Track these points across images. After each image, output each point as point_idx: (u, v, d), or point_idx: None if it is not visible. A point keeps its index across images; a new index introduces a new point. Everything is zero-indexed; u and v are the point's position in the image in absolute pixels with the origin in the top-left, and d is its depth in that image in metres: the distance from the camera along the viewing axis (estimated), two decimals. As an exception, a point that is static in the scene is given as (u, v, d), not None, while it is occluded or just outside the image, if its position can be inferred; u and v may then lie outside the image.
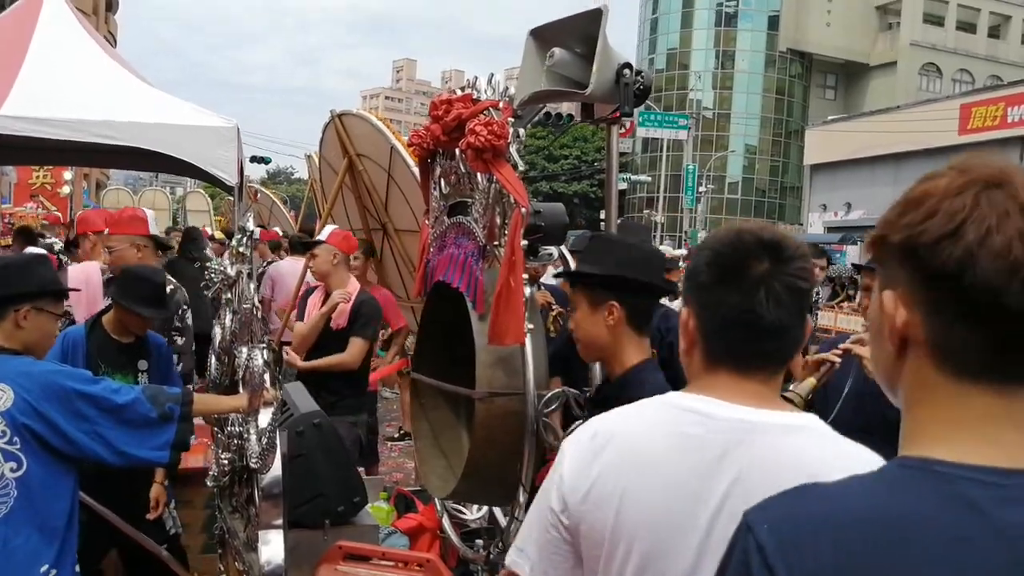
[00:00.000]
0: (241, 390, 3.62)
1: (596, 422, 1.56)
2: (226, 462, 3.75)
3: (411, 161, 5.70)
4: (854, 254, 34.13)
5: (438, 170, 3.75)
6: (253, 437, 3.32)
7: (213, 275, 3.63)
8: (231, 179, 5.41)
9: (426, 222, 3.90)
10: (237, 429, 3.60)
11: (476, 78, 3.51)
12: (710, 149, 53.30)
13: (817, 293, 16.34)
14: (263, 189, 19.12)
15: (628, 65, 3.21)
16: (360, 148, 6.43)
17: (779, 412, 1.43)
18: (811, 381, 3.26)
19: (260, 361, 3.31)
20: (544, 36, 3.43)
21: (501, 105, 3.29)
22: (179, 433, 2.91)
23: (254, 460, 3.29)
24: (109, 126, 5.14)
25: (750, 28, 57.56)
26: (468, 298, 3.32)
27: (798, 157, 51.65)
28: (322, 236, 5.50)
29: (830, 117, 46.69)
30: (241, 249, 3.47)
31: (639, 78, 3.24)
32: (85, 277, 5.19)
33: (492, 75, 3.49)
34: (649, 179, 50.29)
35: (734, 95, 58.13)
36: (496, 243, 3.31)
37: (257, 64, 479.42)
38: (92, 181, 33.84)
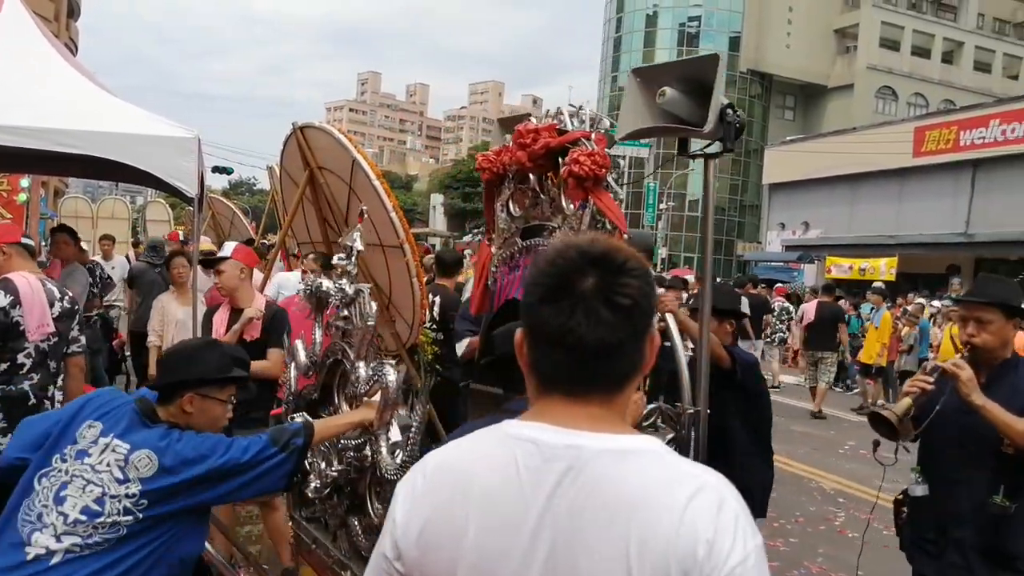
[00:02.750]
0: (342, 404, 3.83)
1: (429, 458, 1.46)
2: (336, 474, 3.77)
3: (373, 175, 5.70)
4: (811, 273, 34.63)
5: (506, 193, 3.93)
6: (384, 449, 3.40)
7: (333, 294, 3.74)
8: (191, 190, 5.39)
9: (486, 242, 4.08)
10: (353, 442, 3.65)
11: (559, 109, 3.77)
12: (671, 167, 53.81)
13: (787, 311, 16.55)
14: (224, 200, 18.95)
15: (731, 105, 3.45)
16: (322, 161, 6.42)
17: (614, 435, 1.33)
18: (907, 401, 3.54)
19: (394, 377, 3.39)
20: (646, 75, 3.67)
21: (594, 136, 3.53)
22: (297, 463, 3.00)
23: (392, 472, 3.35)
24: (67, 134, 5.08)
25: (711, 48, 58.09)
26: None
27: (757, 176, 52.26)
28: (226, 252, 5.51)
29: (789, 137, 47.33)
30: (348, 267, 3.61)
31: (737, 116, 3.48)
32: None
33: (580, 107, 3.73)
34: (611, 196, 50.48)
35: (696, 114, 58.69)
36: None
37: (223, 74, 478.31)
38: (50, 189, 33.30)
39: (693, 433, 3.66)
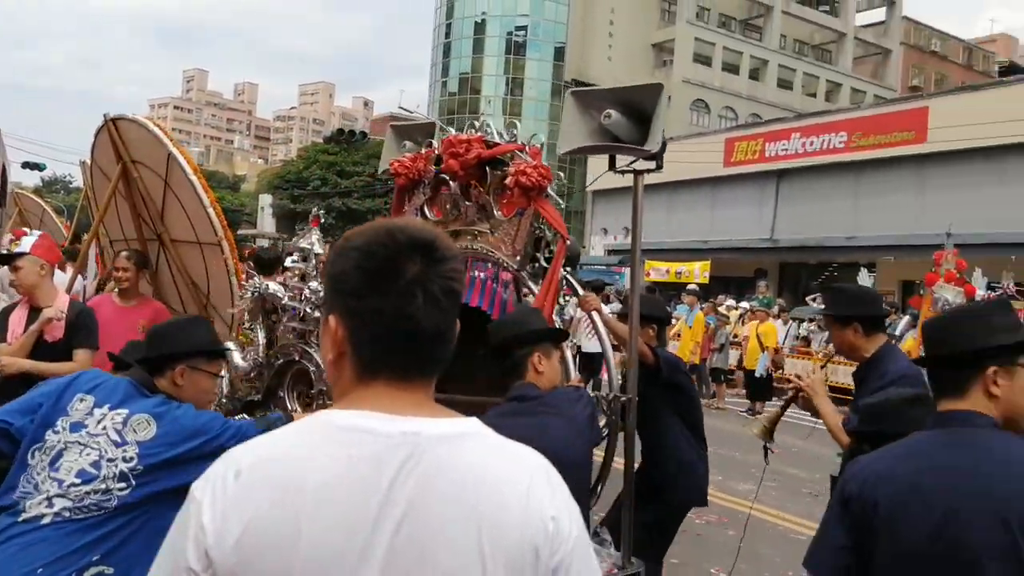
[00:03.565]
0: (295, 404, 3.93)
1: (238, 455, 1.32)
2: None
3: (189, 169, 5.62)
4: (631, 276, 35.89)
5: (421, 198, 4.16)
6: None
7: (309, 295, 3.70)
8: (-9, 182, 5.16)
9: None
10: None
11: (485, 122, 4.10)
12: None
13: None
14: (34, 197, 17.88)
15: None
16: (135, 154, 6.25)
17: (444, 420, 1.33)
18: (776, 411, 4.08)
19: None
20: (584, 97, 3.96)
21: (528, 149, 3.84)
22: None
23: None
24: None
25: (538, 57, 59.50)
26: (494, 316, 3.79)
27: (581, 183, 53.67)
28: (24, 247, 5.10)
29: (611, 146, 48.77)
30: (308, 270, 3.66)
31: (668, 139, 3.92)
32: None
33: (513, 122, 4.10)
34: (440, 200, 50.68)
35: (523, 121, 59.48)
36: (522, 269, 3.96)
37: (40, 66, 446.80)
38: None
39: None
